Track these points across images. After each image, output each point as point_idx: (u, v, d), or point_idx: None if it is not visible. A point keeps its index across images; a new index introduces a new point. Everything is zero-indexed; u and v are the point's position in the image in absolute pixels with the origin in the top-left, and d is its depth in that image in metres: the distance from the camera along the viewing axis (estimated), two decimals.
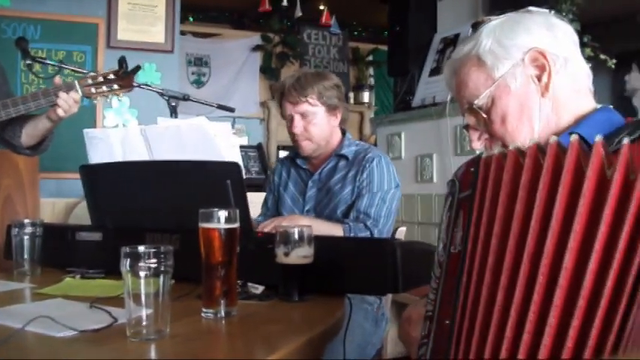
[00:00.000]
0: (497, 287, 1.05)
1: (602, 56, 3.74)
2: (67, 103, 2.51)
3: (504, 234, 1.07)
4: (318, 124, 2.68)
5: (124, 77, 2.57)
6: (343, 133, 2.80)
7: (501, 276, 1.05)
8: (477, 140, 1.45)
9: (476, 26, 1.48)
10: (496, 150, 1.16)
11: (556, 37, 1.39)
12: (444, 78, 1.56)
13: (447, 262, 1.17)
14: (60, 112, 2.51)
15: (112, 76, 2.56)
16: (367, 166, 2.62)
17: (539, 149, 1.07)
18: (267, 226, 2.34)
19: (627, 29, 4.22)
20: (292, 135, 2.71)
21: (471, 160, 1.22)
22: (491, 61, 1.38)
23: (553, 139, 1.06)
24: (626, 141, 0.97)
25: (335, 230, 2.42)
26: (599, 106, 1.43)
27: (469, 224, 1.14)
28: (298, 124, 2.66)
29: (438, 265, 1.20)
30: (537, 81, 1.37)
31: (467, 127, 1.47)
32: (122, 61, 2.60)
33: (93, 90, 2.55)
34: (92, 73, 2.60)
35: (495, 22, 1.42)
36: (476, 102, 1.40)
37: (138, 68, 2.62)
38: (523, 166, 1.07)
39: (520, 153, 1.10)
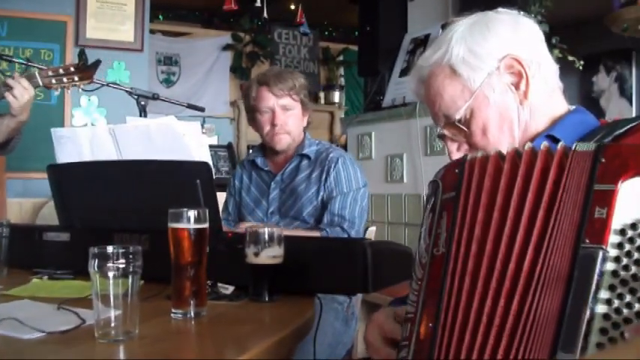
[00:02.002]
0: (474, 292, 1.06)
1: (571, 57, 3.78)
2: (18, 87, 2.51)
3: (484, 238, 1.08)
4: (296, 119, 2.72)
5: (85, 70, 2.58)
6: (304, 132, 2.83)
7: (478, 281, 1.06)
8: (457, 151, 1.44)
9: (445, 27, 1.47)
10: (479, 153, 1.16)
11: (525, 38, 1.40)
12: (410, 85, 1.54)
13: (429, 264, 1.16)
14: (10, 98, 2.51)
15: (72, 69, 2.58)
16: (332, 166, 2.63)
17: (518, 155, 1.10)
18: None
19: (595, 31, 4.27)
20: (271, 127, 2.70)
21: (455, 162, 1.22)
22: (466, 72, 1.37)
23: (528, 145, 1.09)
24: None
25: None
26: (572, 107, 1.44)
27: (453, 226, 1.13)
28: (280, 116, 2.67)
29: (420, 267, 1.18)
30: (515, 89, 1.37)
31: (442, 137, 1.46)
32: (82, 54, 2.65)
33: (53, 81, 2.56)
34: (53, 67, 2.61)
35: (463, 27, 1.41)
36: (456, 116, 1.39)
37: (98, 62, 2.64)
38: (503, 171, 1.09)
39: (501, 157, 1.12)
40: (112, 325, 1.24)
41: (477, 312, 1.05)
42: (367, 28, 4.95)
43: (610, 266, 0.92)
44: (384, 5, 4.85)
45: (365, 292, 1.81)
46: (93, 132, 2.33)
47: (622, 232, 0.93)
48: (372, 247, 1.74)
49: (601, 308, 0.91)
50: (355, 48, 6.21)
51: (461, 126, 1.40)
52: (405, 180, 4.36)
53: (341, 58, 8.94)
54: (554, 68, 1.43)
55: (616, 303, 0.90)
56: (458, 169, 1.17)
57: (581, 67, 4.00)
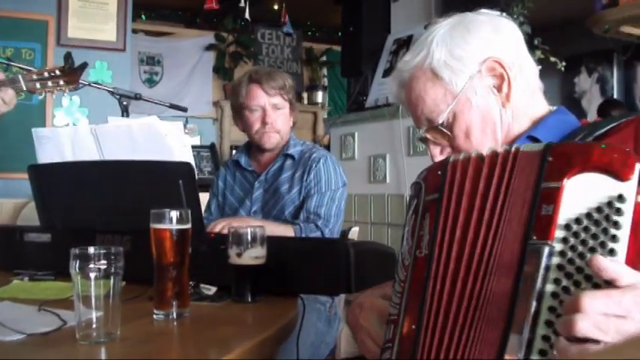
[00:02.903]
0: (454, 294, 1.07)
1: (553, 59, 3.81)
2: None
3: (464, 241, 1.09)
4: (285, 118, 2.73)
5: (70, 73, 2.54)
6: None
7: (457, 283, 1.07)
8: (440, 154, 1.43)
9: (425, 31, 1.47)
10: (462, 154, 1.17)
11: (506, 40, 1.40)
12: (390, 88, 1.54)
13: (412, 266, 1.16)
14: None
15: (57, 72, 2.52)
16: (314, 166, 2.63)
17: (496, 156, 1.11)
18: (218, 225, 2.33)
19: (577, 33, 4.30)
20: (261, 125, 2.70)
21: (438, 163, 1.22)
22: (448, 76, 1.37)
23: (504, 147, 1.11)
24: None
25: (286, 232, 2.42)
26: (553, 108, 1.45)
27: (436, 228, 1.13)
28: (271, 115, 2.68)
29: (403, 269, 1.18)
30: (497, 91, 1.37)
31: (424, 140, 1.46)
32: (68, 57, 2.58)
33: (37, 85, 2.51)
34: (37, 70, 2.56)
35: (444, 29, 1.41)
36: (439, 120, 1.39)
37: (84, 65, 2.59)
38: (482, 173, 1.10)
39: (481, 159, 1.12)
40: (94, 326, 1.23)
41: (455, 314, 1.06)
42: (350, 29, 4.96)
43: (555, 260, 0.95)
44: (367, 6, 4.86)
45: (348, 293, 1.80)
46: (74, 132, 2.31)
47: (567, 227, 0.96)
48: (354, 248, 1.74)
49: (547, 302, 0.94)
50: (338, 48, 6.22)
51: (444, 129, 1.40)
52: (387, 180, 4.37)
53: (324, 58, 8.95)
54: (534, 69, 1.44)
55: (561, 296, 0.93)
56: (441, 171, 1.18)
57: (563, 69, 4.03)
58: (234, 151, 7.58)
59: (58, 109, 4.82)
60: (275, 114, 2.69)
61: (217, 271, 1.71)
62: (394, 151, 4.30)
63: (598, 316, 0.85)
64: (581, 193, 0.96)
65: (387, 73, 4.48)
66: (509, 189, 1.05)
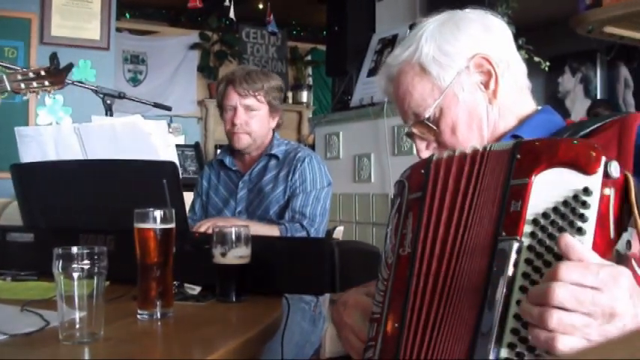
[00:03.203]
0: (436, 292, 1.08)
1: (537, 59, 3.83)
2: None
3: (446, 239, 1.10)
4: (260, 120, 2.71)
5: (56, 74, 2.51)
6: (272, 133, 2.82)
7: (439, 281, 1.08)
8: (426, 149, 1.44)
9: (413, 27, 1.48)
10: (445, 153, 1.17)
11: (495, 38, 1.40)
12: (379, 83, 1.54)
13: (395, 264, 1.16)
14: None
15: (42, 73, 2.49)
16: (299, 165, 2.63)
17: (478, 155, 1.12)
18: (203, 226, 2.33)
19: (561, 33, 4.32)
20: (231, 126, 2.70)
21: (421, 162, 1.22)
22: (435, 71, 1.38)
23: (476, 148, 1.13)
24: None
25: (271, 232, 2.42)
26: (539, 107, 1.45)
27: (419, 226, 1.14)
28: (241, 116, 2.67)
29: (386, 267, 1.19)
30: (484, 88, 1.38)
31: (411, 135, 1.46)
32: (53, 58, 2.54)
33: (22, 85, 2.48)
34: (22, 69, 2.52)
35: (433, 25, 1.41)
36: (425, 115, 1.39)
37: (70, 66, 2.57)
38: (464, 171, 1.11)
39: (464, 158, 1.13)
40: (77, 326, 1.22)
41: (435, 312, 1.07)
42: (335, 28, 4.96)
43: (525, 255, 0.97)
44: (352, 5, 4.86)
45: (332, 292, 1.81)
46: (58, 131, 2.30)
47: (534, 221, 0.98)
48: (339, 247, 1.74)
49: (517, 296, 0.95)
50: (323, 48, 6.22)
51: (430, 124, 1.40)
52: (372, 180, 4.38)
53: (309, 57, 8.95)
54: (523, 68, 1.44)
55: (530, 290, 0.94)
56: (424, 170, 1.18)
57: (547, 69, 4.05)
58: (218, 151, 7.58)
59: (42, 108, 4.79)
60: (246, 115, 2.68)
61: (202, 271, 1.71)
62: (379, 150, 4.30)
63: (575, 286, 0.86)
64: (548, 188, 0.99)
65: (371, 72, 4.48)
66: (480, 188, 1.08)
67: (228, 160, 2.82)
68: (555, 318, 0.86)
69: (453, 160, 1.14)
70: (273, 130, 2.82)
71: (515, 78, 1.41)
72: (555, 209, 0.97)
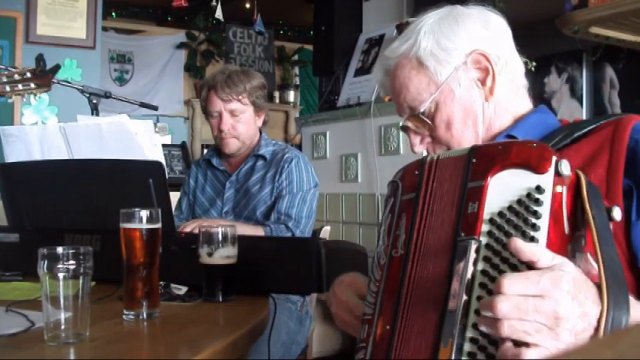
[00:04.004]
0: (427, 295, 1.07)
1: (523, 59, 3.84)
2: None
3: (435, 242, 1.10)
4: (246, 123, 2.69)
5: (42, 76, 2.48)
6: (259, 132, 2.81)
7: (428, 284, 1.08)
8: (420, 144, 1.44)
9: (400, 28, 1.48)
10: (438, 154, 1.18)
11: (494, 35, 1.40)
12: (376, 75, 1.53)
13: (388, 266, 1.16)
14: None
15: (28, 75, 2.45)
16: (286, 166, 2.62)
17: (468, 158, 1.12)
18: (188, 227, 2.32)
19: (547, 33, 4.34)
20: (219, 132, 2.69)
21: (415, 163, 1.22)
22: (433, 65, 1.37)
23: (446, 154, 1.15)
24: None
25: (256, 232, 2.41)
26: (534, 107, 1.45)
27: (412, 228, 1.14)
28: (227, 122, 2.65)
29: (378, 268, 1.18)
30: (481, 84, 1.37)
31: (405, 128, 1.46)
32: (40, 59, 2.50)
33: (7, 88, 2.45)
34: (7, 71, 2.48)
35: (432, 19, 1.40)
36: (420, 109, 1.39)
37: (57, 67, 2.53)
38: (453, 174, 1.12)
39: (454, 160, 1.13)
40: (62, 327, 1.22)
41: (424, 315, 1.07)
42: (322, 28, 4.96)
43: (482, 253, 1.01)
44: (339, 5, 4.86)
45: (319, 292, 1.81)
46: (43, 130, 2.29)
47: (491, 221, 1.02)
48: (326, 247, 1.74)
49: (476, 292, 0.98)
50: (310, 47, 6.22)
51: (425, 119, 1.39)
52: (359, 179, 4.38)
53: (296, 57, 8.95)
54: (520, 66, 1.44)
55: (489, 285, 0.97)
56: (418, 171, 1.18)
57: (533, 69, 4.06)
58: (205, 150, 7.57)
59: (27, 108, 4.76)
60: (232, 120, 2.66)
61: (188, 271, 1.70)
62: (366, 150, 4.31)
63: (517, 297, 0.90)
64: (503, 188, 1.03)
65: (358, 72, 4.48)
66: (444, 192, 1.11)
67: (215, 160, 2.81)
68: (506, 326, 0.90)
69: (446, 162, 1.15)
70: (261, 130, 2.81)
71: (512, 76, 1.41)
72: (510, 208, 1.00)
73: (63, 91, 3.20)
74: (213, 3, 6.40)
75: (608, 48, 4.18)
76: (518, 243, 0.93)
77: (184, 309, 1.60)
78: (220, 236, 1.65)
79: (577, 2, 3.18)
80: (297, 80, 9.04)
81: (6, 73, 2.46)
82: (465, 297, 0.98)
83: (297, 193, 2.60)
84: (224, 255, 1.65)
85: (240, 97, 2.65)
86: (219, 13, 6.51)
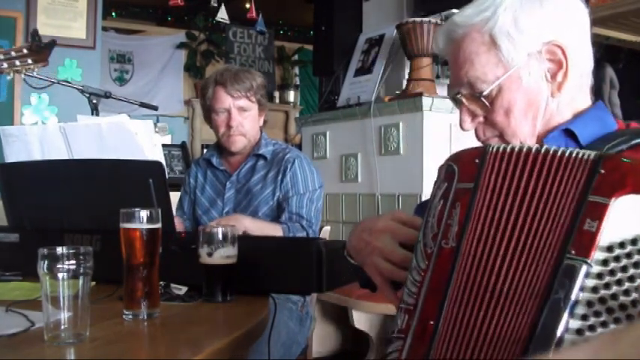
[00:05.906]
0: (478, 296, 1.03)
1: None
2: None
3: (495, 240, 1.04)
4: (252, 120, 2.70)
5: (38, 51, 2.46)
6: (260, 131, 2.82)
7: (475, 284, 1.04)
8: (470, 122, 1.35)
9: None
10: (503, 146, 1.10)
11: (575, 25, 1.31)
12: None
13: (436, 256, 1.10)
14: None
15: (25, 51, 2.44)
16: (289, 167, 2.62)
17: (536, 154, 1.05)
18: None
19: None
20: (226, 129, 2.68)
21: (476, 150, 1.14)
22: (506, 47, 1.27)
23: (545, 147, 1.05)
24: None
25: (275, 231, 2.42)
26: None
27: (467, 220, 1.08)
28: (237, 118, 2.65)
29: (425, 256, 1.12)
30: (550, 78, 1.28)
31: (458, 102, 1.36)
32: (35, 34, 2.48)
33: (5, 65, 2.43)
34: (3, 49, 2.48)
35: None
36: (483, 89, 1.30)
37: (53, 43, 2.51)
38: (517, 170, 1.05)
39: (527, 155, 1.07)
40: (62, 327, 1.22)
41: (475, 317, 1.02)
42: (322, 28, 4.96)
43: (591, 282, 0.91)
44: (339, 5, 4.86)
45: (319, 292, 1.81)
46: (43, 130, 2.29)
47: (609, 249, 0.91)
48: (326, 247, 1.74)
49: (575, 323, 0.90)
50: (310, 47, 6.22)
51: (484, 100, 1.30)
52: (359, 179, 4.37)
53: (296, 57, 8.96)
54: (591, 62, 1.34)
55: (591, 320, 0.89)
56: (479, 160, 1.11)
57: None
58: (205, 150, 7.57)
59: (27, 108, 4.76)
60: (241, 117, 2.66)
61: (188, 271, 1.70)
62: (366, 150, 4.30)
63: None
64: (629, 215, 0.91)
65: (358, 72, 4.48)
66: (552, 194, 1.00)
67: (215, 160, 2.80)
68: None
69: (513, 155, 1.08)
70: (261, 130, 2.81)
71: (581, 72, 1.31)
72: (634, 241, 0.90)
73: (63, 91, 3.21)
74: (214, 4, 6.40)
75: (608, 48, 4.18)
76: None
77: (184, 309, 1.60)
78: (220, 236, 1.65)
79: None
80: (297, 80, 9.04)
81: (3, 50, 2.45)
82: (563, 324, 0.90)
83: (305, 193, 2.60)
84: (224, 255, 1.65)
85: (248, 94, 2.65)
86: (223, 15, 6.51)
